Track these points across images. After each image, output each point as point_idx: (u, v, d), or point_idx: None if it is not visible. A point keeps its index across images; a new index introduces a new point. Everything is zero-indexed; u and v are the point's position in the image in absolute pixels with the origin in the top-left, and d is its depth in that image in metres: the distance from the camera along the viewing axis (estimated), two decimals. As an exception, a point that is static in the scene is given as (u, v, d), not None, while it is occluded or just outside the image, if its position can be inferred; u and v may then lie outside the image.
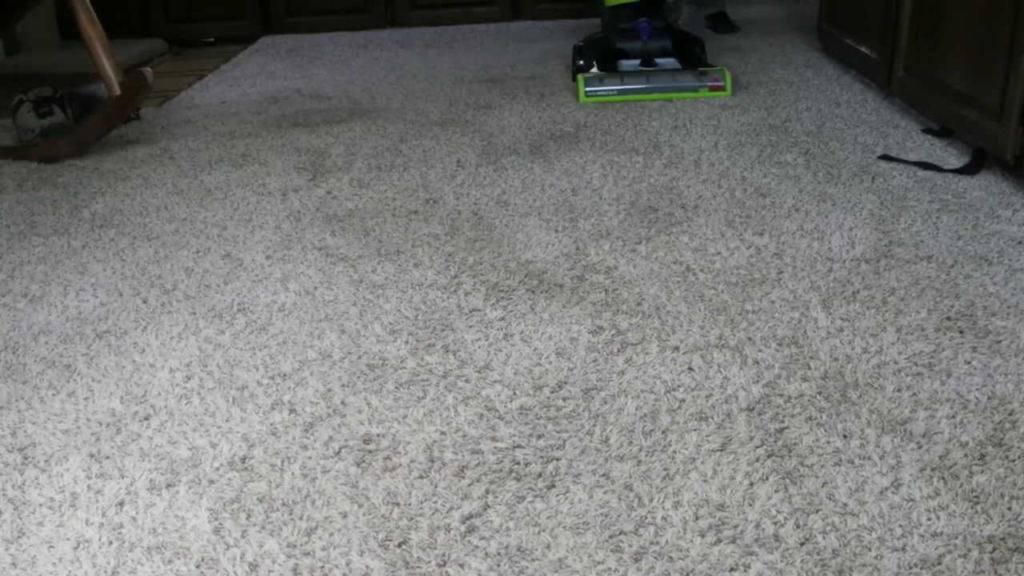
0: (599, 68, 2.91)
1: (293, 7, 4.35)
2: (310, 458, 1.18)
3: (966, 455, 1.13)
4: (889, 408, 1.23)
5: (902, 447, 1.15)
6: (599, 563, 0.98)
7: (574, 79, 2.98)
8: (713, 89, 2.77)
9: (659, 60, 2.90)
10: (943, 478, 1.09)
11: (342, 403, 1.30)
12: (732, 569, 0.97)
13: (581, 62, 3.03)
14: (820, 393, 1.27)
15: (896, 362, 1.34)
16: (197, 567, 1.00)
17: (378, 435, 1.22)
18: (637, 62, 2.89)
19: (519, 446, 1.18)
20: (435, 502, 1.09)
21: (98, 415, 1.30)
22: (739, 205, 1.95)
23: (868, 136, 2.36)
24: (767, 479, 1.10)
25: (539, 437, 1.20)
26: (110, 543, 1.04)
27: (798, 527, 1.02)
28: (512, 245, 1.81)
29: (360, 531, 1.05)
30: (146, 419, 1.28)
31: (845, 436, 1.17)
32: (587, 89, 2.78)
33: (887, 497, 1.06)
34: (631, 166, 2.22)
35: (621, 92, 2.77)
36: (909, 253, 1.69)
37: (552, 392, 1.30)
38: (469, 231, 1.89)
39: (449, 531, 1.04)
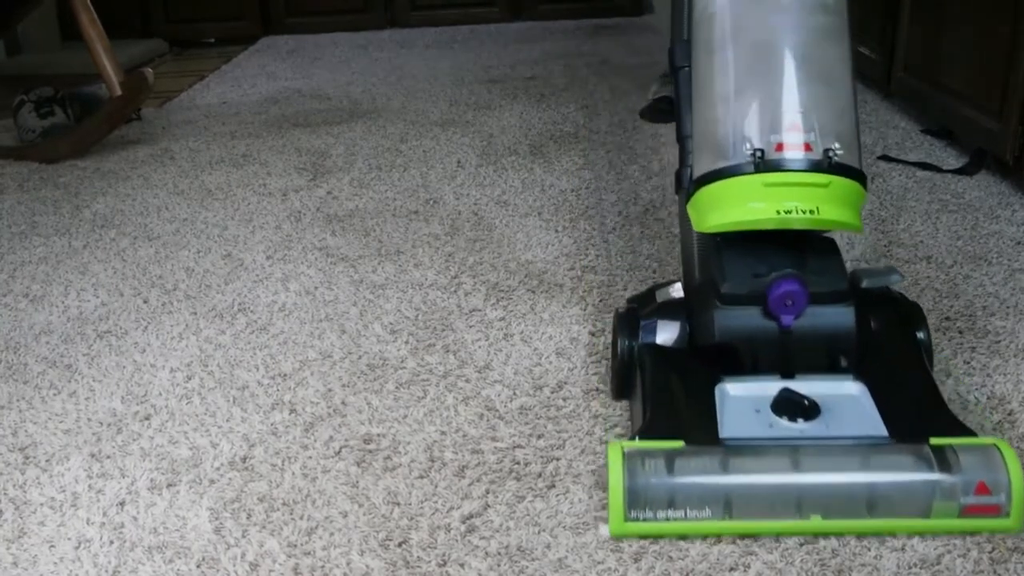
0: (659, 394, 1.12)
1: (293, 8, 4.36)
2: (310, 458, 1.18)
3: (965, 455, 1.13)
4: (888, 408, 1.23)
5: (901, 447, 1.15)
6: (599, 563, 0.98)
7: (632, 435, 1.09)
8: (973, 512, 0.98)
9: (821, 386, 1.11)
10: (942, 478, 1.09)
11: (342, 403, 1.30)
12: (732, 569, 0.97)
13: (628, 346, 1.21)
14: (820, 393, 1.27)
15: (895, 362, 1.34)
16: (198, 567, 1.01)
17: (378, 435, 1.22)
18: (767, 392, 1.10)
19: (519, 446, 1.19)
20: (435, 502, 1.09)
21: (99, 415, 1.30)
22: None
23: (867, 136, 2.36)
24: (767, 479, 1.10)
25: (539, 437, 1.20)
26: (111, 543, 1.04)
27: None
28: (512, 245, 1.81)
29: (360, 531, 1.05)
30: (147, 419, 1.29)
31: (844, 436, 1.17)
32: (633, 508, 0.99)
33: (886, 497, 1.06)
34: (631, 166, 2.22)
35: (720, 507, 0.99)
36: (908, 253, 1.69)
37: (552, 392, 1.30)
38: (469, 231, 1.89)
39: (449, 531, 1.04)
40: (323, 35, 4.30)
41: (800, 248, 1.13)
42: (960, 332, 1.42)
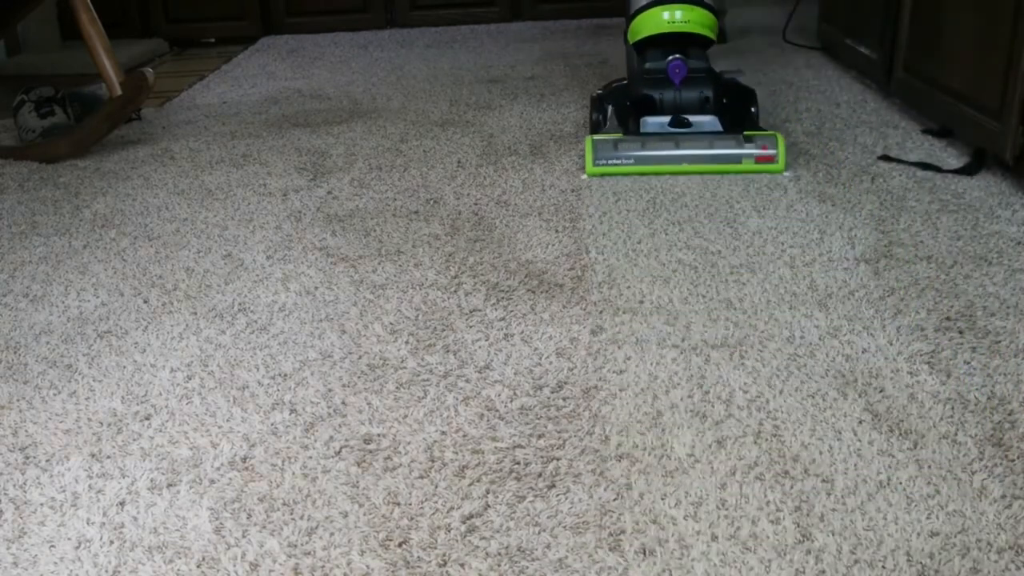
0: (619, 125, 2.30)
1: (293, 7, 4.36)
2: (311, 458, 1.18)
3: (965, 455, 1.13)
4: (888, 407, 1.23)
5: (900, 447, 1.15)
6: (599, 562, 0.98)
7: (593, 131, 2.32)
8: (761, 161, 2.10)
9: (695, 118, 2.23)
10: (942, 477, 1.09)
11: (343, 403, 1.30)
12: (731, 567, 0.97)
13: (598, 116, 2.34)
14: (818, 392, 1.27)
15: (895, 362, 1.34)
16: (198, 567, 1.01)
17: (379, 435, 1.23)
18: (667, 120, 2.23)
19: (519, 446, 1.19)
20: (435, 502, 1.09)
21: (99, 415, 1.30)
22: (739, 204, 1.95)
23: (868, 136, 2.36)
24: (765, 477, 1.10)
25: (539, 437, 1.20)
26: (111, 543, 1.04)
27: (796, 525, 1.02)
28: (512, 245, 1.81)
29: (361, 531, 1.05)
30: (147, 419, 1.29)
31: (843, 435, 1.18)
32: (596, 160, 2.15)
33: (885, 496, 1.06)
34: (631, 166, 2.22)
35: (640, 161, 2.14)
36: (908, 253, 1.69)
37: (552, 392, 1.30)
38: (469, 231, 1.89)
39: (449, 531, 1.04)
40: (323, 35, 4.30)
41: (687, 48, 2.26)
42: (960, 332, 1.42)
